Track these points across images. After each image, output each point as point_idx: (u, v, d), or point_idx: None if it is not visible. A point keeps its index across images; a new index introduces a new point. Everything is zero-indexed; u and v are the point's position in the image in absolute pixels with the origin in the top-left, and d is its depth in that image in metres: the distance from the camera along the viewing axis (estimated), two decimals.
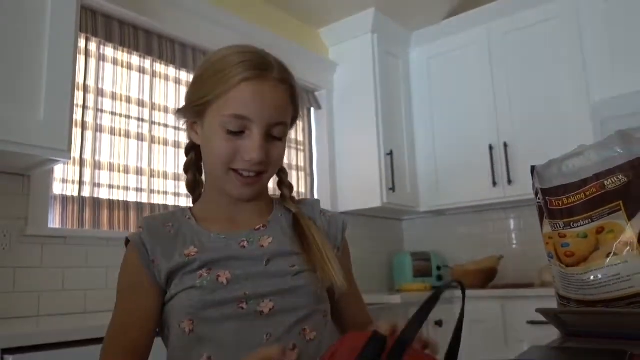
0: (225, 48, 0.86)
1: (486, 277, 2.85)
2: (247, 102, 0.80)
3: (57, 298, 1.79)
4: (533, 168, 0.68)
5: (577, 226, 0.62)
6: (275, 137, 0.83)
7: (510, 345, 2.41)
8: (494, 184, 2.83)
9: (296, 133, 2.99)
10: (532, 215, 2.91)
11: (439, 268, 3.15)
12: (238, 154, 0.81)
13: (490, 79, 2.91)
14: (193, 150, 0.94)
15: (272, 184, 0.93)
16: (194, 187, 0.96)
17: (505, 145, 2.81)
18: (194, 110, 0.85)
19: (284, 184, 0.94)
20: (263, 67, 0.82)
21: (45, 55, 1.53)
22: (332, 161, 3.06)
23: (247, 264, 0.83)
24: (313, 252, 0.85)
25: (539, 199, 0.68)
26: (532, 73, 2.79)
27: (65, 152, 1.57)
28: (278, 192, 0.95)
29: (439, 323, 2.40)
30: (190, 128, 0.89)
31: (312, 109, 3.11)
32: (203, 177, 0.95)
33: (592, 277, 0.62)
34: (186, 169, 0.96)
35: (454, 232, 3.30)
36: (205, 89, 0.82)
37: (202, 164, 0.92)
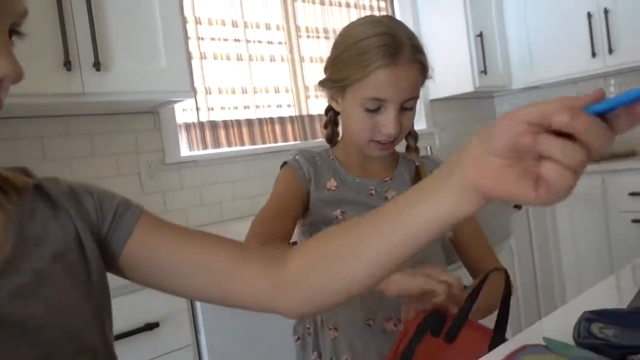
0: (362, 24, 0.95)
1: None
2: (383, 86, 0.91)
3: (198, 212, 2.11)
4: None
5: None
6: (406, 109, 0.95)
7: (610, 221, 2.50)
8: (593, 54, 2.72)
9: None
10: (636, 82, 2.82)
11: None
12: (375, 128, 0.94)
13: None
14: (331, 110, 1.07)
15: None
16: (331, 139, 1.10)
17: (606, 11, 2.64)
18: (335, 87, 0.98)
19: (410, 134, 1.05)
20: (397, 50, 0.90)
21: (157, 11, 1.67)
22: None
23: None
24: None
25: None
26: None
27: (188, 92, 1.77)
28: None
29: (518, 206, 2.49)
30: (331, 97, 1.02)
31: None
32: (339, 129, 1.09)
33: None
34: (325, 124, 1.10)
35: None
36: (346, 72, 0.94)
37: (342, 125, 1.06)
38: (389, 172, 1.05)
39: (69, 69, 1.48)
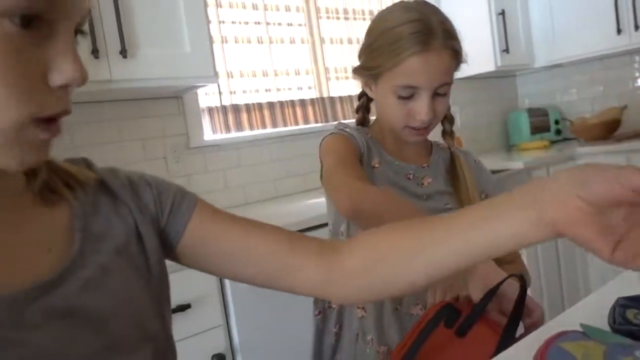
0: (394, 10, 0.95)
1: (608, 129, 2.81)
2: (415, 73, 0.91)
3: (222, 195, 2.14)
4: None
5: None
6: (440, 95, 0.95)
7: None
8: (619, 31, 2.66)
9: None
10: None
11: (557, 122, 3.14)
12: (409, 114, 0.95)
13: None
14: (364, 95, 1.08)
15: None
16: (362, 124, 1.11)
17: None
18: (369, 74, 0.99)
19: (446, 117, 1.06)
20: (428, 37, 0.90)
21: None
22: None
23: (410, 196, 1.00)
24: (462, 191, 1.01)
25: None
26: None
27: (212, 77, 1.78)
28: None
29: None
30: (365, 84, 1.03)
31: None
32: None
33: None
34: (357, 109, 1.11)
35: (572, 84, 3.21)
36: (379, 60, 0.95)
37: (376, 110, 1.06)
38: (425, 158, 1.07)
39: (96, 57, 1.50)
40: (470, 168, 1.07)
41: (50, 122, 0.46)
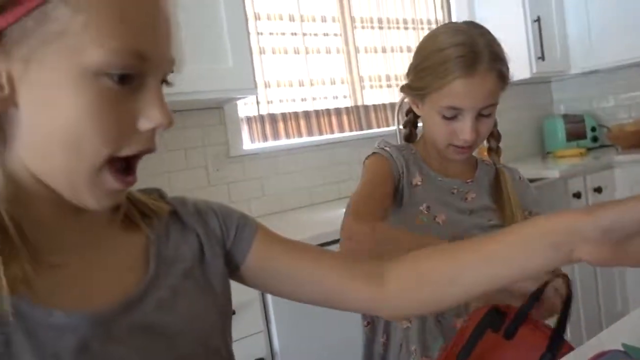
0: (443, 32, 0.99)
1: None
2: (460, 96, 0.95)
3: (260, 203, 2.20)
4: None
5: None
6: (484, 116, 0.99)
7: None
8: None
9: (435, 11, 2.95)
10: None
11: (593, 129, 3.10)
12: (453, 133, 0.99)
13: None
14: (412, 112, 1.12)
15: None
16: (409, 139, 1.15)
17: None
18: (416, 94, 1.03)
19: (493, 135, 1.09)
20: (474, 61, 0.94)
21: (223, 14, 1.75)
22: None
23: (454, 211, 1.03)
24: (506, 209, 1.04)
25: None
26: None
27: (253, 89, 1.84)
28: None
29: (598, 190, 2.48)
30: (412, 102, 1.07)
31: None
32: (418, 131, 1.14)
33: None
34: (405, 124, 1.15)
35: (608, 90, 3.16)
36: (425, 81, 0.99)
37: (423, 127, 1.10)
38: (469, 174, 1.09)
39: None
40: (515, 185, 1.10)
41: (128, 169, 0.52)
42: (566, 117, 3.14)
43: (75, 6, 0.45)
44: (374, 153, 1.07)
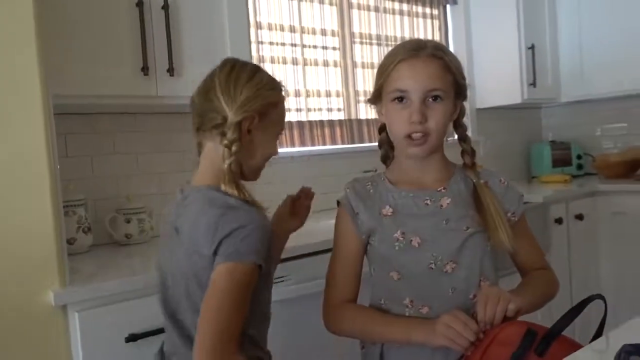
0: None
1: (630, 167, 2.85)
2: (404, 78, 1.02)
3: None
4: None
5: None
6: (433, 101, 1.03)
7: None
8: None
9: (432, 32, 3.02)
10: None
11: (579, 157, 3.18)
12: (407, 122, 1.03)
13: None
14: (384, 130, 1.16)
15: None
16: (385, 159, 1.19)
17: None
18: (375, 96, 1.10)
19: (466, 152, 1.12)
20: (417, 47, 1.03)
21: (226, 21, 1.79)
22: (469, 58, 3.07)
23: (429, 222, 1.06)
24: (486, 215, 1.06)
25: None
26: None
27: None
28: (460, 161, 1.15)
29: (579, 217, 2.54)
30: (379, 112, 1.13)
31: (448, 5, 3.08)
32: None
33: None
34: (379, 144, 1.19)
35: (596, 120, 3.24)
36: (377, 77, 1.07)
37: (389, 135, 1.14)
38: (442, 182, 1.11)
39: (146, 74, 1.61)
40: (496, 189, 1.12)
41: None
42: (553, 144, 3.21)
43: None
44: (338, 203, 1.16)
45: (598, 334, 0.92)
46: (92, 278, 1.36)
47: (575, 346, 0.85)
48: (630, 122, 3.11)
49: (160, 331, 1.27)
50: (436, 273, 1.05)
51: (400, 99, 1.03)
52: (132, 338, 1.26)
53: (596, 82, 2.92)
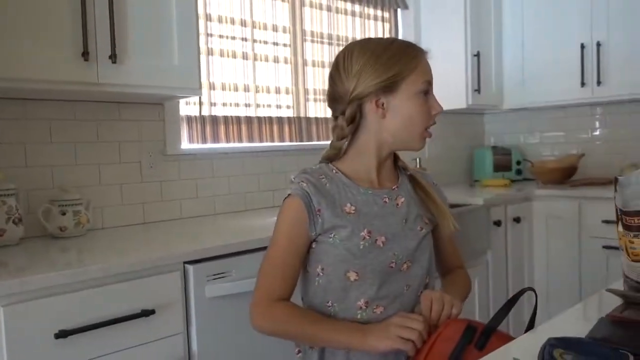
0: (382, 39, 1.09)
1: (565, 174, 2.98)
2: (429, 70, 1.08)
3: (192, 204, 2.18)
4: (616, 180, 0.85)
5: None
6: None
7: (583, 244, 2.62)
8: (582, 84, 2.84)
9: (383, 35, 3.06)
10: (619, 113, 2.96)
11: (519, 163, 3.30)
12: (429, 112, 1.07)
13: None
14: (352, 122, 1.07)
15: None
16: (338, 154, 1.12)
17: (599, 44, 2.76)
18: (384, 87, 1.04)
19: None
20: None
21: (173, 9, 1.75)
22: None
23: (392, 221, 1.07)
24: (434, 205, 1.11)
25: (617, 209, 0.86)
26: None
27: (197, 90, 1.84)
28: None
29: (517, 219, 2.64)
30: (377, 104, 1.05)
31: (399, 10, 3.13)
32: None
33: None
34: (342, 137, 1.09)
35: (536, 128, 3.39)
36: (397, 67, 1.04)
37: (386, 126, 1.07)
38: (394, 181, 1.13)
39: (86, 59, 1.54)
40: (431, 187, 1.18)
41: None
42: (495, 149, 3.32)
43: None
44: (290, 195, 1.06)
45: (531, 325, 0.98)
46: (20, 271, 1.29)
47: (511, 340, 0.89)
48: (567, 130, 3.27)
49: (92, 327, 1.22)
50: (394, 271, 1.06)
51: (426, 92, 1.07)
52: (62, 334, 1.20)
53: (535, 91, 3.04)
